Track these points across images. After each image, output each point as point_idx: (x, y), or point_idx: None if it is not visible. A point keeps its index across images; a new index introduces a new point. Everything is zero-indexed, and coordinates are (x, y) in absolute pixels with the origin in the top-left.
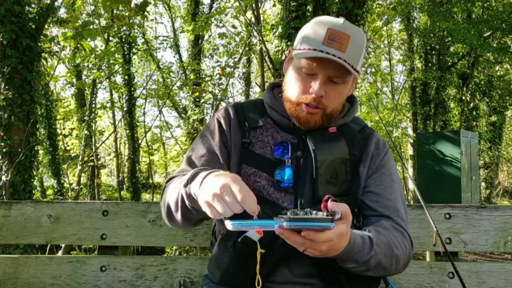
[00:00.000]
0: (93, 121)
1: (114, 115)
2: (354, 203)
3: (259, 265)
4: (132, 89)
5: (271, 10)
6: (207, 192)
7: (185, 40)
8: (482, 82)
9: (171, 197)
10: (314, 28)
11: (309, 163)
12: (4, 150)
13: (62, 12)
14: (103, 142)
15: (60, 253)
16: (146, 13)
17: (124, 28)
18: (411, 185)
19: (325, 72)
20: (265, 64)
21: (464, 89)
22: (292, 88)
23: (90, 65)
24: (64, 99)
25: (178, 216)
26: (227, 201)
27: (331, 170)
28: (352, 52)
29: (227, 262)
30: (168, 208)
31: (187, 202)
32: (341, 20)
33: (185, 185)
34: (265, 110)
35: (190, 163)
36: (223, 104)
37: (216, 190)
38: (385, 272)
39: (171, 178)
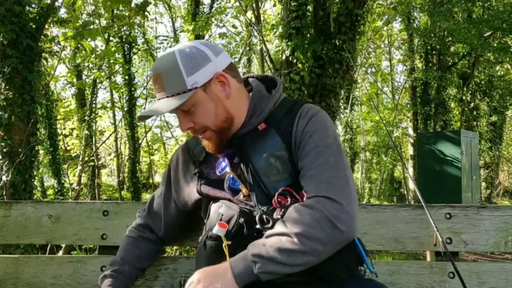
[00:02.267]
0: (94, 121)
1: (114, 115)
2: None
3: (228, 258)
4: (133, 89)
5: (271, 10)
6: None
7: (185, 40)
8: (483, 82)
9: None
10: None
11: (249, 168)
12: (4, 150)
13: (63, 12)
14: (104, 142)
15: (60, 253)
16: (146, 13)
17: (124, 28)
18: (411, 185)
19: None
20: (265, 64)
21: (465, 89)
22: None
23: (91, 65)
24: (64, 99)
25: None
26: None
27: (270, 167)
28: (168, 83)
29: (203, 260)
30: None
31: None
32: (157, 60)
33: None
34: None
35: (149, 203)
36: None
37: None
38: (308, 255)
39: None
